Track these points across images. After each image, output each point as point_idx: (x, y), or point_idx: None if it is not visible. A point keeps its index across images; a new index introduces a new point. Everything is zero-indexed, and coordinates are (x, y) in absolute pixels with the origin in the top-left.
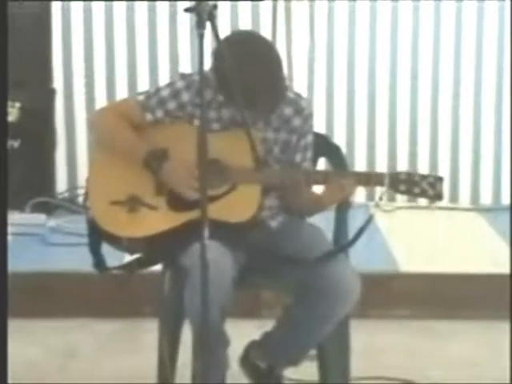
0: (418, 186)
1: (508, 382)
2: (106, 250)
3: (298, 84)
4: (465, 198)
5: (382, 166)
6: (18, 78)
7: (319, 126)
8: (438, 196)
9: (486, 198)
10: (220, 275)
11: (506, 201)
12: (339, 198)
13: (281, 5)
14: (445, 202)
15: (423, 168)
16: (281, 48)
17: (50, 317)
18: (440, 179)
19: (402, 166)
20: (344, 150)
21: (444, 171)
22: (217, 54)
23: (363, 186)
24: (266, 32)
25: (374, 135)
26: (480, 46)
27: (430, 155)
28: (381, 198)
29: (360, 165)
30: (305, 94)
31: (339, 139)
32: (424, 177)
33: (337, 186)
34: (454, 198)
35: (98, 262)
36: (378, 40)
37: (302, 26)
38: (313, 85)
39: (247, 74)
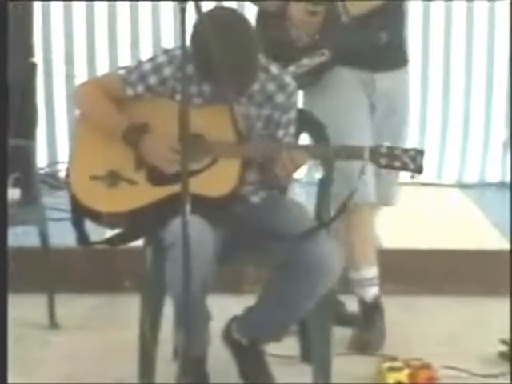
0: (399, 160)
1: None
2: (89, 225)
3: None
4: (450, 175)
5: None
6: None
7: None
8: (419, 169)
9: (472, 176)
10: (201, 250)
11: (490, 178)
12: (291, 170)
13: None
14: (430, 179)
15: (411, 145)
16: None
17: (32, 292)
18: (421, 152)
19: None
20: None
21: (431, 148)
22: (197, 28)
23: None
24: None
25: None
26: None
27: (419, 132)
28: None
29: None
30: None
31: None
32: (405, 150)
33: (288, 158)
34: (440, 174)
35: (81, 236)
36: None
37: None
38: None
39: (223, 48)
